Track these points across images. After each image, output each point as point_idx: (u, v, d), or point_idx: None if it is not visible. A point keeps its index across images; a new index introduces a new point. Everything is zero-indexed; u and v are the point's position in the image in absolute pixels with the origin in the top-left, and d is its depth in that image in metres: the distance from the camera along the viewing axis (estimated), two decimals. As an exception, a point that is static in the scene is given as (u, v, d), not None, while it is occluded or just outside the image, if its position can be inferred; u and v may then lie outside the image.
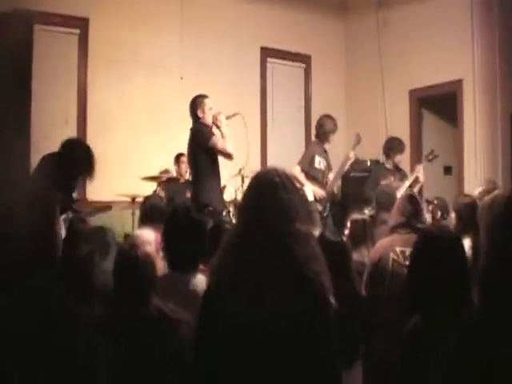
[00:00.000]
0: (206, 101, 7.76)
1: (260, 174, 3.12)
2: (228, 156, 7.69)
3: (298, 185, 3.01)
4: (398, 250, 5.00)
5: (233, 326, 2.70)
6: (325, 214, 8.86)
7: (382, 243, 5.22)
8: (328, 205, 9.03)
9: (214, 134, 7.66)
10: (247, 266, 2.74)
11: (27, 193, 2.58)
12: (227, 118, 7.86)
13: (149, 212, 6.36)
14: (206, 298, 2.93)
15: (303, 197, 2.95)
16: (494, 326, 2.37)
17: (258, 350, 2.64)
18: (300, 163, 9.07)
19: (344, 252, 4.28)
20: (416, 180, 8.89)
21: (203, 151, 7.57)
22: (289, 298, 2.63)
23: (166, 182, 8.94)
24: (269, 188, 2.83)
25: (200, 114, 7.69)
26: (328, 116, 9.26)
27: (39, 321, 2.30)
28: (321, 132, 9.18)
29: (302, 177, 8.85)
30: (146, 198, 7.20)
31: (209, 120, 7.72)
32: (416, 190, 8.67)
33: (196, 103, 7.76)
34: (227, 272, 2.82)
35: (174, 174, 9.27)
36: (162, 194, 9.03)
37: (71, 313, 2.42)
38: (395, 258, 4.98)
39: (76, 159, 6.56)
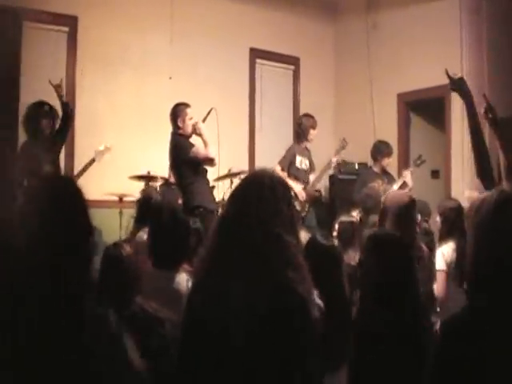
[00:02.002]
0: (187, 110, 7.85)
1: (251, 174, 3.13)
2: (210, 162, 7.76)
3: (288, 190, 3.00)
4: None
5: (209, 329, 2.70)
6: (303, 214, 8.90)
7: None
8: (307, 205, 9.07)
9: (193, 145, 7.75)
10: (226, 265, 2.74)
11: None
12: (204, 120, 7.91)
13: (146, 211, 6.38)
14: (188, 301, 2.93)
15: (291, 202, 2.91)
16: (480, 326, 2.39)
17: (234, 356, 2.64)
18: (280, 163, 9.16)
19: (336, 256, 4.29)
20: (404, 185, 8.94)
21: (185, 162, 7.63)
22: (263, 306, 2.62)
23: (161, 184, 8.96)
24: (255, 189, 2.82)
25: (180, 124, 7.79)
26: (306, 114, 9.35)
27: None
28: (300, 130, 9.27)
29: (282, 175, 8.90)
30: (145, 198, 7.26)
31: (188, 129, 7.82)
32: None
33: (176, 112, 7.84)
34: (206, 274, 2.82)
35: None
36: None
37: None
38: None
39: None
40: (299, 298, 2.66)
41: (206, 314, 2.71)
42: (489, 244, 2.48)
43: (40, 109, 7.42)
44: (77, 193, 2.68)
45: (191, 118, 7.83)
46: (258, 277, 2.65)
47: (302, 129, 9.46)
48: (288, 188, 3.02)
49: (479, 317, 2.41)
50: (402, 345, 3.50)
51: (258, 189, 2.81)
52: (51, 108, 7.43)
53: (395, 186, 8.85)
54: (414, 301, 3.74)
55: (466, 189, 7.77)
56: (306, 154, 9.47)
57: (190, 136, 7.84)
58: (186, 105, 7.87)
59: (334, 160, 9.35)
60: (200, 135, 7.76)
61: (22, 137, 7.06)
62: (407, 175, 9.03)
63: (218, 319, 2.66)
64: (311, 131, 9.47)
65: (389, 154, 9.50)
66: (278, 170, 8.99)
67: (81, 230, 2.59)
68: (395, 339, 3.50)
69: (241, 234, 2.75)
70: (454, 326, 2.50)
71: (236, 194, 2.93)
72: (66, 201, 2.60)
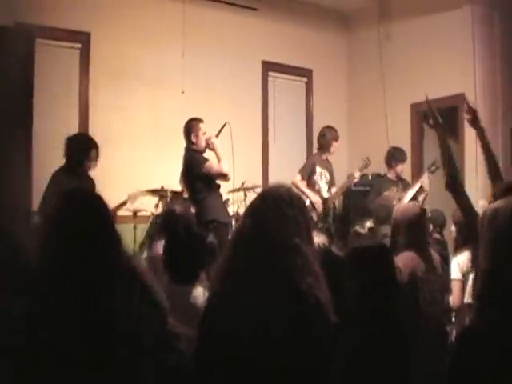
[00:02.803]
0: (200, 125, 7.85)
1: (268, 188, 3.17)
2: (223, 177, 7.77)
3: (303, 202, 3.03)
4: (423, 267, 4.90)
5: (229, 337, 2.70)
6: (320, 225, 8.85)
7: (405, 262, 4.90)
8: (322, 216, 9.04)
9: (207, 160, 7.75)
10: (243, 277, 2.75)
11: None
12: (217, 135, 7.91)
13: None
14: (204, 312, 2.94)
15: (306, 213, 2.94)
16: (494, 338, 2.37)
17: (254, 363, 2.64)
18: (301, 171, 9.14)
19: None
20: (421, 189, 8.88)
21: (198, 177, 7.64)
22: (282, 310, 2.62)
23: (171, 198, 8.98)
24: (273, 201, 2.85)
25: (193, 139, 7.80)
26: (329, 127, 9.32)
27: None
28: (323, 142, 9.23)
29: (301, 184, 8.90)
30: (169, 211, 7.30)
31: (201, 144, 7.83)
32: (421, 199, 8.69)
33: (189, 127, 7.85)
34: (223, 286, 2.83)
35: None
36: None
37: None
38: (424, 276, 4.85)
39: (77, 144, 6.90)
40: (319, 303, 2.67)
41: (225, 325, 2.71)
42: (503, 257, 2.47)
43: (92, 143, 7.47)
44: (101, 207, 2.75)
45: (204, 133, 7.83)
46: (278, 285, 2.66)
47: (325, 140, 9.42)
48: (303, 200, 3.04)
49: (493, 329, 2.40)
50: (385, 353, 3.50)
51: (276, 201, 2.84)
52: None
53: (412, 191, 8.79)
54: (397, 311, 3.73)
55: (480, 198, 7.72)
56: (327, 166, 9.43)
57: (203, 151, 7.84)
58: (199, 120, 7.88)
59: (357, 175, 9.30)
60: (213, 150, 7.77)
61: (36, 151, 7.07)
62: (424, 180, 8.94)
63: (237, 329, 2.67)
64: (334, 143, 9.44)
65: (403, 160, 9.45)
66: (297, 178, 9.00)
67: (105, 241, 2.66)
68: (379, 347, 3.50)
69: (258, 245, 2.77)
70: (468, 338, 2.49)
71: (253, 207, 2.96)
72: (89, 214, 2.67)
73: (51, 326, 2.43)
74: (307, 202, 8.68)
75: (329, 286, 2.82)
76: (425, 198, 8.90)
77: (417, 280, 4.72)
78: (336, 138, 9.39)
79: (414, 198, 8.72)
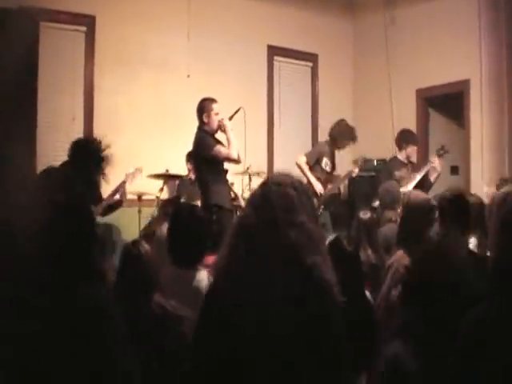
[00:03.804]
0: (214, 106, 7.64)
1: (271, 175, 3.17)
2: (234, 161, 7.67)
3: (306, 186, 3.03)
4: None
5: (236, 318, 2.69)
6: (319, 213, 8.81)
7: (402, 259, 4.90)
8: (322, 206, 9.00)
9: (217, 143, 7.63)
10: (249, 257, 2.74)
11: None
12: (231, 118, 7.80)
13: None
14: (209, 293, 2.93)
15: (311, 198, 2.95)
16: (503, 319, 2.37)
17: (262, 344, 2.63)
18: (307, 155, 9.03)
19: (359, 262, 4.26)
20: (433, 170, 8.84)
21: (207, 160, 7.55)
22: (287, 288, 2.62)
23: (178, 180, 8.99)
24: (277, 184, 2.85)
25: (205, 119, 7.60)
26: (349, 127, 9.18)
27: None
28: (336, 137, 9.11)
29: (306, 168, 8.84)
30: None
31: (213, 125, 7.63)
32: (433, 179, 8.69)
33: (202, 107, 7.66)
34: (229, 263, 2.82)
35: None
36: (173, 191, 9.10)
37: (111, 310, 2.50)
38: None
39: (89, 155, 6.62)
40: (327, 282, 2.66)
41: (230, 306, 2.71)
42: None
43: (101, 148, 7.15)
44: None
45: (217, 114, 7.69)
46: (282, 263, 2.66)
47: (341, 140, 9.22)
48: (306, 185, 3.04)
49: (500, 313, 2.39)
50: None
51: (279, 183, 2.84)
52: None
53: (419, 176, 8.77)
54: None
55: (485, 184, 7.73)
56: (331, 157, 9.36)
57: (215, 132, 7.72)
58: (213, 100, 7.69)
59: (356, 171, 9.24)
60: (224, 132, 7.63)
61: (40, 135, 7.04)
62: (435, 160, 8.89)
63: (242, 309, 2.66)
64: (349, 144, 9.32)
65: (414, 142, 9.39)
66: (302, 160, 8.92)
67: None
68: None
69: (262, 224, 2.77)
70: (477, 318, 2.49)
71: (257, 190, 2.95)
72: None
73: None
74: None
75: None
76: (437, 177, 8.88)
77: None
78: (354, 139, 9.25)
79: (425, 178, 8.70)
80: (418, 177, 8.75)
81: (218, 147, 7.52)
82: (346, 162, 9.82)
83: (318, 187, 8.90)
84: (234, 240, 2.86)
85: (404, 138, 9.38)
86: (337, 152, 9.37)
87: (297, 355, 2.59)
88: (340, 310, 2.73)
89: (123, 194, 7.41)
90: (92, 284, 2.61)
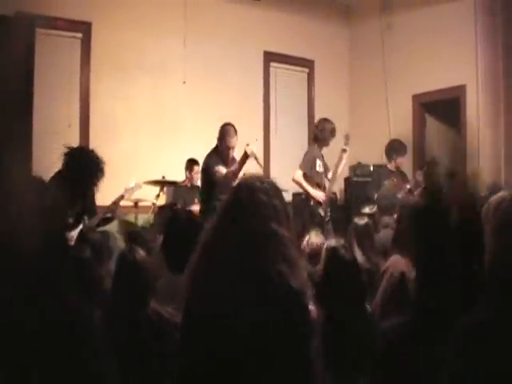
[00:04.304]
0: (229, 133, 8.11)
1: (242, 179, 3.14)
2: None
3: (282, 191, 3.01)
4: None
5: (206, 322, 2.70)
6: (327, 219, 8.81)
7: (398, 264, 4.88)
8: (329, 210, 8.99)
9: (218, 170, 7.95)
10: (219, 263, 2.74)
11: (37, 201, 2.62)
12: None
13: None
14: (186, 294, 2.94)
15: (284, 202, 2.92)
16: (496, 324, 2.37)
17: (233, 349, 2.64)
18: (302, 167, 8.99)
19: (358, 271, 4.24)
20: (418, 184, 8.93)
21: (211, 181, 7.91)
22: (254, 299, 2.61)
23: (172, 186, 9.01)
24: (247, 190, 2.83)
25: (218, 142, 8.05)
26: (327, 120, 9.21)
27: (51, 325, 2.32)
28: (321, 137, 9.11)
29: (304, 181, 8.82)
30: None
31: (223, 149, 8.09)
32: (416, 193, 8.72)
33: (221, 131, 8.12)
34: (201, 269, 2.82)
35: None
36: (169, 198, 9.11)
37: (82, 318, 2.45)
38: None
39: (84, 166, 6.59)
40: (292, 290, 2.65)
41: (203, 313, 2.71)
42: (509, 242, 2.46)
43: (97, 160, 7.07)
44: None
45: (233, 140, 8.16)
46: (250, 271, 2.65)
47: (323, 136, 9.26)
48: (279, 189, 3.01)
49: (495, 316, 2.39)
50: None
51: (249, 188, 2.83)
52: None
53: (408, 186, 8.85)
54: None
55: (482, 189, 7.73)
56: (322, 157, 9.36)
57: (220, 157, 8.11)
58: (230, 126, 8.15)
59: (346, 147, 9.21)
60: (256, 159, 8.02)
61: (36, 141, 7.03)
62: (420, 175, 9.00)
63: (213, 317, 2.66)
64: (331, 140, 9.36)
65: (403, 152, 9.47)
66: (299, 174, 8.89)
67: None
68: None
69: (234, 230, 2.76)
70: (470, 324, 2.48)
71: (227, 198, 2.94)
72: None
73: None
74: (311, 202, 8.69)
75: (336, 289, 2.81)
76: (420, 192, 8.94)
77: (405, 280, 4.69)
78: (334, 135, 9.27)
79: (410, 191, 8.74)
80: (408, 187, 8.81)
81: (219, 174, 7.95)
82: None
83: (320, 195, 8.88)
84: (202, 248, 2.85)
85: (393, 149, 9.44)
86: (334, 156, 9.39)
87: (265, 355, 2.60)
88: (307, 316, 2.73)
89: (115, 210, 7.45)
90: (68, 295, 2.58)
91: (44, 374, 2.29)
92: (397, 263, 4.88)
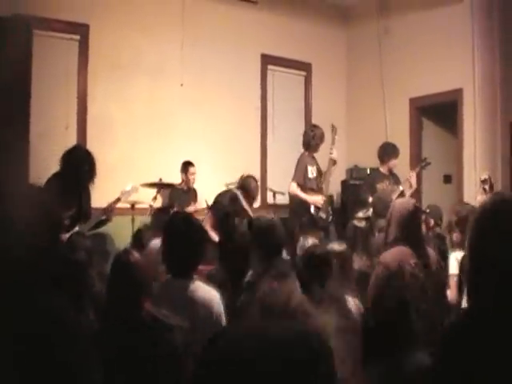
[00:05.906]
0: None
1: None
2: None
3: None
4: (412, 262, 4.86)
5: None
6: (329, 221, 8.86)
7: (394, 255, 4.95)
8: (330, 210, 9.02)
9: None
10: None
11: (32, 206, 2.61)
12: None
13: None
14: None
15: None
16: (480, 331, 2.37)
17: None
18: (295, 178, 8.99)
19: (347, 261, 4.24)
20: (409, 186, 8.97)
21: None
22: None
23: (169, 188, 9.01)
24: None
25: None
26: (316, 126, 9.25)
27: (39, 329, 2.31)
28: (312, 143, 9.12)
29: (300, 192, 8.84)
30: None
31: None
32: (408, 195, 8.73)
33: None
34: None
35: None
36: (165, 200, 9.11)
37: (71, 323, 2.44)
38: (411, 270, 4.79)
39: (78, 166, 6.63)
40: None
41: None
42: (484, 246, 2.47)
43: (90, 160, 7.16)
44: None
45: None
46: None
47: (315, 142, 9.27)
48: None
49: (477, 321, 2.40)
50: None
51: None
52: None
53: (401, 188, 8.88)
54: None
55: (478, 193, 7.73)
56: (314, 162, 9.35)
57: None
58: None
59: (335, 154, 9.22)
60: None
61: (33, 143, 7.04)
62: (412, 176, 9.04)
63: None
64: (320, 144, 9.37)
65: (395, 155, 9.47)
66: (294, 187, 8.90)
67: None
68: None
69: None
70: (453, 331, 2.49)
71: None
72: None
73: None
74: (311, 208, 8.73)
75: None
76: (412, 194, 8.95)
77: (403, 272, 4.69)
78: (323, 141, 9.28)
79: (402, 194, 8.76)
80: (400, 189, 8.85)
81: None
82: (338, 170, 9.84)
83: (318, 200, 8.90)
84: None
85: (385, 152, 9.45)
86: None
87: None
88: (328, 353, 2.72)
89: (111, 212, 7.45)
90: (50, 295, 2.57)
91: (25, 377, 2.29)
92: (386, 258, 4.89)
